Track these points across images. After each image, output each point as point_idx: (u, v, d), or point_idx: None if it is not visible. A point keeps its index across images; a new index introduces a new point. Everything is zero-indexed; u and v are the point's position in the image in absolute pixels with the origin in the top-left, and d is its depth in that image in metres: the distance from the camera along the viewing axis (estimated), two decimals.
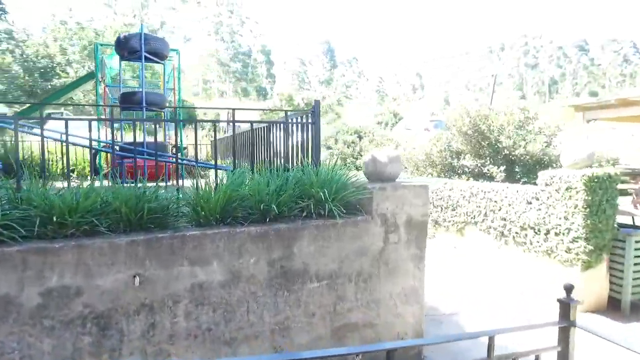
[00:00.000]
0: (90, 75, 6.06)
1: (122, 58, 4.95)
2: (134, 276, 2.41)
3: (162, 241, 2.47)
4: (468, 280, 5.34)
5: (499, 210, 5.32)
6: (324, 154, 11.03)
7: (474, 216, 5.73)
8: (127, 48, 4.72)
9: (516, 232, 5.12)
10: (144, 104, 4.57)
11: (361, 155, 9.41)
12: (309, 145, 3.57)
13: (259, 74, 79.87)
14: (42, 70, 20.10)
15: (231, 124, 3.25)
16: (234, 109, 3.38)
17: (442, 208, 6.31)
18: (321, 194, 2.87)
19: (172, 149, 6.37)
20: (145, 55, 4.63)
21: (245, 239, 2.66)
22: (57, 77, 20.58)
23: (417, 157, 7.06)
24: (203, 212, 2.68)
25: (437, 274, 5.30)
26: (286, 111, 3.42)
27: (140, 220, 2.56)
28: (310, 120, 3.56)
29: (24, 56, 20.74)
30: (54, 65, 20.56)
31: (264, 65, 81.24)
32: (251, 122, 3.61)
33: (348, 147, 9.88)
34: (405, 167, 7.79)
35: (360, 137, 10.21)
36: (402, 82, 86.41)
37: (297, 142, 3.56)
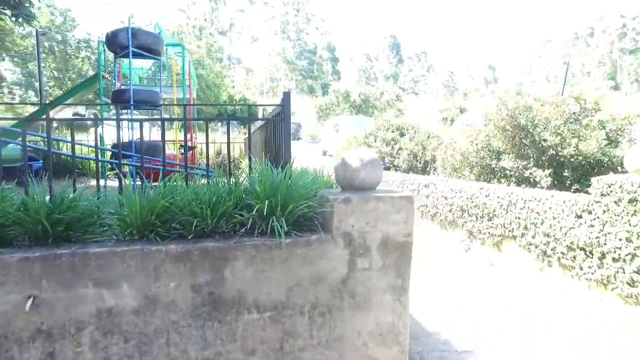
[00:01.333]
0: (97, 77, 6.09)
1: (116, 55, 4.86)
2: (29, 298, 2.09)
3: (62, 259, 2.12)
4: (499, 307, 4.44)
5: (541, 224, 4.34)
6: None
7: (512, 229, 4.77)
8: (116, 44, 4.58)
9: (562, 253, 4.13)
10: (132, 102, 4.40)
11: (399, 155, 8.59)
12: (278, 143, 3.04)
13: (324, 71, 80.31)
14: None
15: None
16: (190, 104, 2.96)
17: (477, 217, 5.40)
18: (262, 206, 2.33)
19: (179, 148, 6.20)
20: (137, 51, 4.45)
21: (163, 259, 2.22)
22: None
23: (455, 157, 6.16)
24: (123, 226, 2.30)
25: (465, 296, 4.47)
26: (249, 105, 2.91)
27: (60, 232, 2.25)
28: (280, 116, 3.03)
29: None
30: None
31: (329, 63, 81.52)
32: (206, 119, 3.18)
33: (387, 145, 9.09)
34: (444, 168, 6.89)
35: (402, 134, 9.36)
36: (473, 76, 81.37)
37: (265, 140, 3.05)
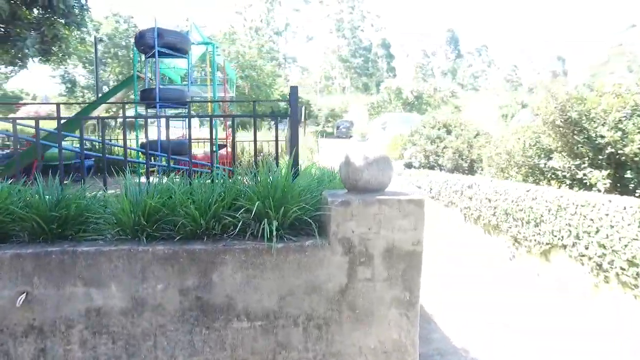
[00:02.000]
0: (131, 79, 6.29)
1: (146, 55, 4.98)
2: (22, 294, 2.12)
3: (52, 256, 2.12)
4: (547, 329, 3.94)
5: (596, 232, 3.78)
6: (409, 151, 9.91)
7: (562, 237, 4.22)
8: (143, 44, 4.68)
9: (621, 268, 3.56)
10: (158, 100, 4.47)
11: (443, 153, 8.08)
12: (281, 142, 2.88)
13: (379, 68, 79.23)
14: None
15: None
16: (191, 101, 2.88)
17: (522, 222, 4.87)
18: (253, 207, 2.18)
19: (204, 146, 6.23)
20: (162, 50, 4.52)
21: (150, 261, 2.15)
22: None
23: (501, 156, 5.62)
24: (115, 225, 2.27)
25: (507, 311, 4.02)
26: (254, 101, 2.79)
27: (59, 229, 2.27)
28: (288, 112, 2.86)
29: None
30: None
31: (384, 60, 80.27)
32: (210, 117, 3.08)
33: (431, 144, 8.60)
34: (491, 168, 6.34)
35: (448, 132, 8.80)
36: (540, 69, 75.75)
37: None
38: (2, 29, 7.36)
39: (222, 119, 7.05)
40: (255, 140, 3.20)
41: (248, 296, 2.21)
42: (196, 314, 2.20)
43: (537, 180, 4.93)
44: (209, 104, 6.61)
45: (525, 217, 4.72)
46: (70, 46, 9.00)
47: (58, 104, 2.94)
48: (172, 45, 4.73)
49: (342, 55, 74.82)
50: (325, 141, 24.83)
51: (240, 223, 2.21)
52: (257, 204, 2.19)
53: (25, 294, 2.12)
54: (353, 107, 41.45)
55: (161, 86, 4.73)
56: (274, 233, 2.14)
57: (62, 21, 6.29)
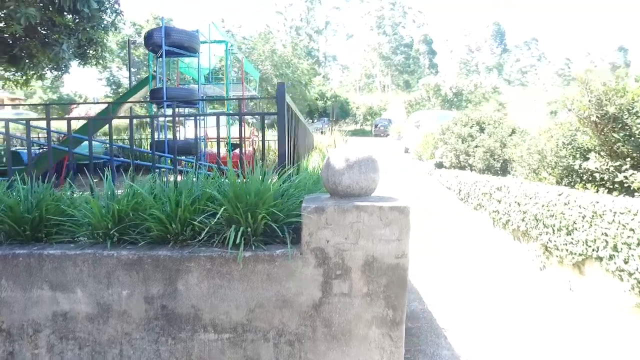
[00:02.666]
0: (147, 79, 6.36)
1: (156, 55, 4.99)
2: None
3: (19, 259, 2.09)
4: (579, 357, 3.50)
5: (638, 245, 3.31)
6: (440, 150, 9.44)
7: (597, 248, 3.75)
8: (152, 43, 4.68)
9: None
10: (165, 99, 4.46)
11: (474, 153, 7.57)
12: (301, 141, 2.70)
13: (421, 65, 77.33)
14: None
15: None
16: (203, 99, 2.78)
17: (553, 229, 4.40)
18: (220, 211, 2.03)
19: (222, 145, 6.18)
20: (172, 49, 4.50)
21: (115, 266, 2.06)
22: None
23: (533, 156, 5.13)
24: (91, 227, 2.21)
25: (532, 331, 3.62)
26: (241, 98, 2.60)
27: (32, 231, 2.25)
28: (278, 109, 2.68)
29: None
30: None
31: (426, 56, 78.24)
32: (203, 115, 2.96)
33: (462, 142, 8.10)
34: (522, 167, 5.83)
35: (481, 129, 8.26)
36: (597, 62, 70.54)
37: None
38: (43, 35, 7.75)
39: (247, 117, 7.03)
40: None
41: (215, 307, 2.06)
42: (162, 323, 2.08)
43: (572, 183, 4.43)
44: (226, 102, 6.63)
45: (557, 224, 4.26)
46: (105, 49, 9.32)
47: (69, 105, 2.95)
48: (180, 44, 4.73)
49: (383, 53, 73.70)
50: (357, 140, 24.47)
51: (208, 228, 2.07)
52: (223, 208, 2.03)
53: None
54: (392, 105, 40.65)
55: (180, 86, 4.83)
56: (238, 240, 1.98)
57: (89, 25, 6.50)
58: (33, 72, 8.70)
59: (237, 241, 1.98)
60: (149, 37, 5.00)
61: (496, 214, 5.77)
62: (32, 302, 2.10)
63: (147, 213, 2.14)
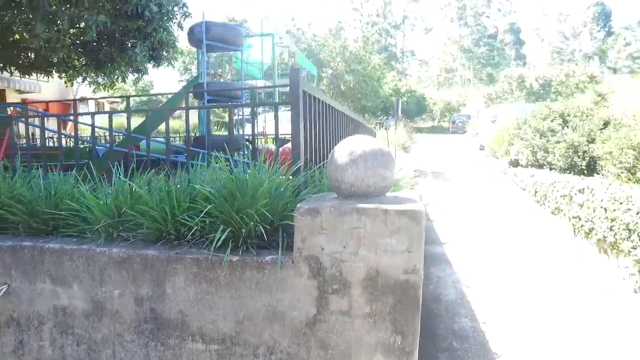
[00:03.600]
0: (197, 78, 6.42)
1: (201, 50, 4.97)
2: (3, 284, 2.16)
3: (24, 251, 2.11)
4: None
5: None
6: (516, 146, 8.46)
7: None
8: (194, 39, 4.66)
9: None
10: (206, 94, 4.42)
11: (554, 149, 6.58)
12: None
13: (506, 56, 71.75)
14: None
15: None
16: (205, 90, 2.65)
17: None
18: (210, 209, 1.84)
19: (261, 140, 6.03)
20: (212, 44, 4.45)
21: (107, 263, 1.99)
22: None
23: (628, 153, 4.23)
24: (90, 222, 2.17)
25: None
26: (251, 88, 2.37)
27: (44, 224, 2.28)
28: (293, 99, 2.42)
29: None
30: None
31: (512, 47, 72.38)
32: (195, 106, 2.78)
33: (541, 137, 7.10)
34: (613, 165, 4.88)
35: (565, 122, 7.17)
36: None
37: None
38: (120, 40, 8.38)
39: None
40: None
41: (202, 315, 1.89)
42: (151, 326, 1.96)
43: None
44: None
45: None
46: (177, 50, 9.82)
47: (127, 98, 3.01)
48: (221, 38, 4.72)
49: (464, 45, 69.71)
50: (430, 138, 23.27)
51: (196, 228, 1.90)
52: (209, 206, 1.84)
53: (6, 285, 2.16)
54: (472, 101, 38.17)
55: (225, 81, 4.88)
56: (221, 243, 1.77)
57: (152, 27, 6.83)
58: (116, 75, 9.50)
59: (219, 244, 1.77)
60: (190, 32, 5.09)
61: (577, 220, 4.91)
62: (36, 294, 2.12)
63: (141, 211, 2.02)
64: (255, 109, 8.35)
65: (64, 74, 9.52)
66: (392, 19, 71.41)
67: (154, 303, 1.94)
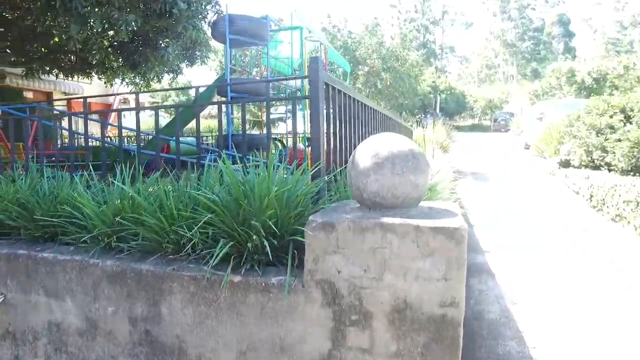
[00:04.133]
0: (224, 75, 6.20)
1: (227, 45, 4.75)
2: (1, 295, 2.01)
3: (19, 260, 1.95)
4: None
5: None
6: (566, 146, 7.74)
7: None
8: (217, 33, 4.45)
9: None
10: (229, 91, 4.19)
11: (614, 149, 5.88)
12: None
13: (553, 50, 67.95)
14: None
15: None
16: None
17: None
18: (213, 218, 1.58)
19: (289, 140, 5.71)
20: (237, 38, 4.21)
21: (100, 277, 1.78)
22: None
23: None
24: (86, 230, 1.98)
25: None
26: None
27: (46, 230, 2.12)
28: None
29: None
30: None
31: (560, 39, 68.43)
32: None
33: (597, 135, 6.39)
34: None
35: (627, 118, 6.41)
36: None
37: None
38: (154, 40, 8.42)
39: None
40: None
41: (201, 341, 1.63)
42: (146, 350, 1.73)
43: None
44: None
45: None
46: (210, 49, 9.79)
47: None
48: (244, 31, 4.49)
49: (507, 40, 66.75)
50: (470, 136, 22.28)
51: (198, 239, 1.64)
52: (206, 216, 1.58)
53: (3, 295, 2.01)
54: (515, 97, 36.30)
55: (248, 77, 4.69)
56: (217, 259, 1.50)
57: (181, 25, 6.78)
58: (151, 75, 9.61)
59: (220, 259, 1.51)
60: (213, 26, 4.91)
61: None
62: (31, 307, 1.95)
63: (137, 219, 1.80)
64: (285, 107, 8.11)
65: (102, 75, 9.74)
66: (431, 14, 69.57)
67: (149, 324, 1.71)
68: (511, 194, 7.55)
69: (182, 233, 1.66)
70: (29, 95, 12.44)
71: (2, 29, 7.84)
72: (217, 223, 1.64)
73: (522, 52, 65.05)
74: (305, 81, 6.33)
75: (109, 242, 1.88)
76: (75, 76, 10.22)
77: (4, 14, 7.61)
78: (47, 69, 9.04)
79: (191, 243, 1.64)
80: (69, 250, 1.92)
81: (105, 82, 10.48)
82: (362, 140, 3.21)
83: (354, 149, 2.86)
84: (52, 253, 1.89)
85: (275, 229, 1.51)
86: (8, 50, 8.44)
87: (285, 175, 1.81)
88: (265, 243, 1.50)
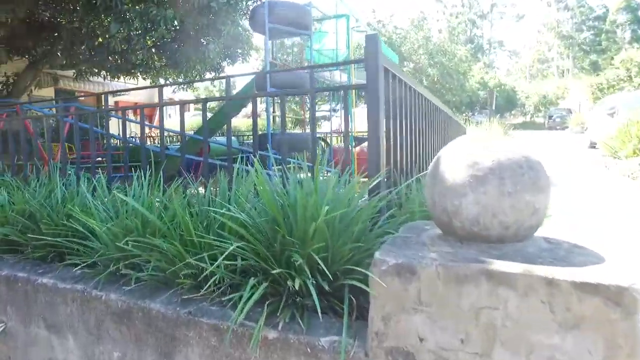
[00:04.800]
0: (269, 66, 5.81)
1: (266, 35, 4.35)
2: (1, 323, 1.72)
3: (18, 284, 1.64)
4: None
5: None
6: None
7: None
8: (256, 23, 4.06)
9: None
10: (269, 86, 3.79)
11: None
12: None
13: (617, 40, 62.70)
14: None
15: None
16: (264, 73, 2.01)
17: None
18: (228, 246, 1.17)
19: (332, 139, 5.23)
20: (277, 27, 3.81)
21: (104, 313, 1.42)
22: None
23: None
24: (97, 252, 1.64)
25: None
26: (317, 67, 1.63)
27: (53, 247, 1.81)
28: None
29: None
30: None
31: (626, 28, 63.00)
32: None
33: None
34: None
35: None
36: None
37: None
38: (195, 38, 8.28)
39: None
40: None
41: None
42: None
43: None
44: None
45: None
46: (251, 47, 9.57)
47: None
48: (285, 19, 4.08)
49: (563, 32, 62.54)
50: (524, 134, 20.81)
51: (220, 274, 1.23)
52: (232, 246, 1.16)
53: (4, 324, 1.72)
54: (572, 92, 33.70)
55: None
56: (246, 305, 1.07)
57: (220, 20, 6.53)
58: (193, 74, 9.53)
59: (246, 309, 1.08)
60: (252, 15, 4.55)
61: None
62: (31, 340, 1.64)
63: (147, 244, 1.42)
64: (330, 105, 7.70)
65: (146, 75, 9.79)
66: (479, 8, 66.65)
67: None
68: (585, 199, 6.65)
69: (202, 265, 1.25)
70: (80, 97, 12.92)
71: (56, 34, 8.00)
72: (248, 253, 1.22)
73: (580, 43, 60.71)
74: (353, 75, 5.86)
75: (118, 267, 1.52)
76: (121, 77, 10.38)
77: (58, 19, 7.74)
78: (96, 70, 9.18)
79: (214, 278, 1.23)
80: (72, 275, 1.58)
81: (150, 83, 10.56)
82: (423, 142, 2.69)
83: (416, 152, 2.35)
84: (53, 279, 1.56)
85: (325, 268, 1.06)
86: (59, 54, 8.63)
87: (336, 187, 1.36)
88: (311, 286, 1.05)
